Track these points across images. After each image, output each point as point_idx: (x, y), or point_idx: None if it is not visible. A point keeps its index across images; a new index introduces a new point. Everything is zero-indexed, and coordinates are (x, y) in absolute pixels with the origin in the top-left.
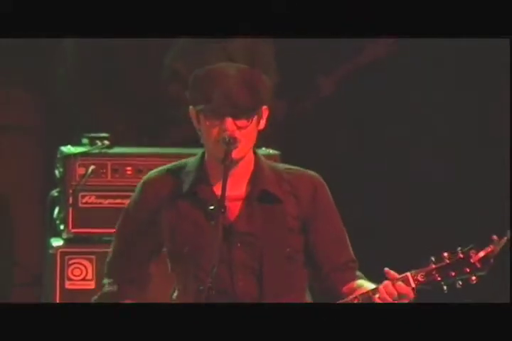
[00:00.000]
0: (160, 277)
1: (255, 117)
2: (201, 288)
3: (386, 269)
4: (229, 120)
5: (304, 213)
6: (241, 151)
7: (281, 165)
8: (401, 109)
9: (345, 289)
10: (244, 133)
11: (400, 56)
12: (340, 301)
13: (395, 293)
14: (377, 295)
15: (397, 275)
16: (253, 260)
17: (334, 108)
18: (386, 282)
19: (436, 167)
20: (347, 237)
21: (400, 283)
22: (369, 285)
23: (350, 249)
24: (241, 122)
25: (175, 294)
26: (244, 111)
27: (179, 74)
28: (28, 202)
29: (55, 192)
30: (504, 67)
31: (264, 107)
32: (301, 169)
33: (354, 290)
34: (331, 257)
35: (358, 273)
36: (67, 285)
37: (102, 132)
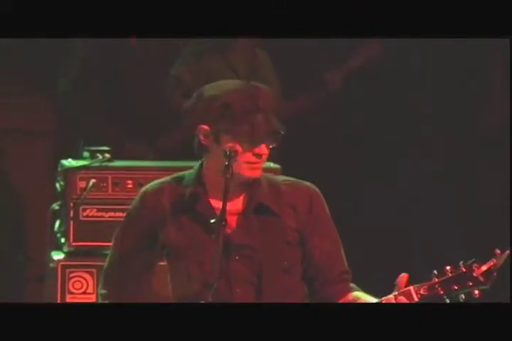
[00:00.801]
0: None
1: None
2: (202, 302)
3: (402, 275)
4: (263, 146)
5: (301, 225)
6: (260, 167)
7: (279, 177)
8: (400, 112)
9: (341, 302)
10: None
11: (397, 56)
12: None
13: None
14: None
15: (402, 288)
16: (251, 273)
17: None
18: (388, 297)
19: (437, 179)
20: (341, 248)
21: (401, 297)
22: (366, 298)
23: (345, 260)
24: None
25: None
26: (277, 136)
27: (184, 83)
28: (41, 200)
29: (56, 206)
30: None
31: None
32: (298, 180)
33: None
34: (324, 269)
35: (352, 284)
36: (68, 298)
37: (103, 145)
